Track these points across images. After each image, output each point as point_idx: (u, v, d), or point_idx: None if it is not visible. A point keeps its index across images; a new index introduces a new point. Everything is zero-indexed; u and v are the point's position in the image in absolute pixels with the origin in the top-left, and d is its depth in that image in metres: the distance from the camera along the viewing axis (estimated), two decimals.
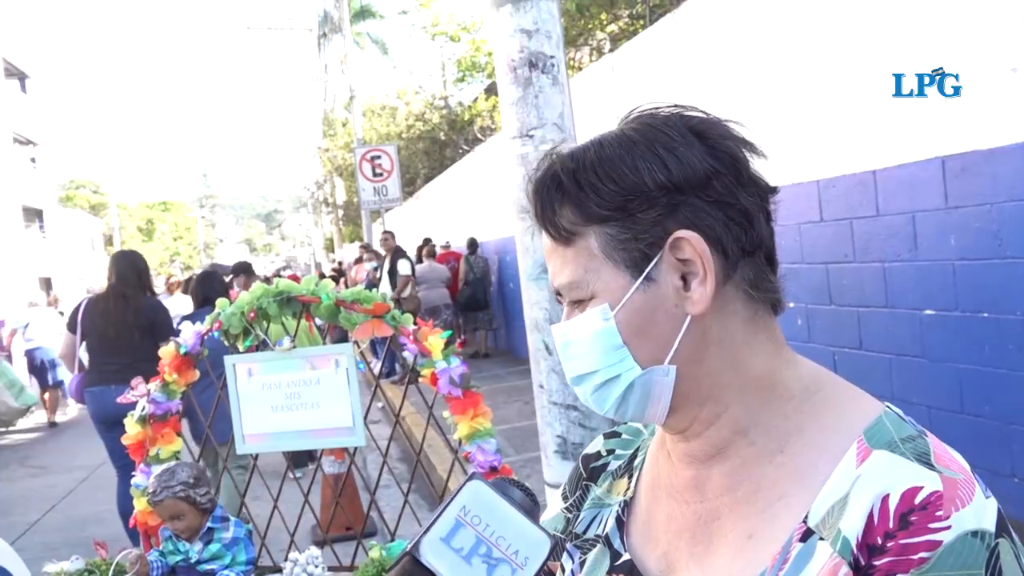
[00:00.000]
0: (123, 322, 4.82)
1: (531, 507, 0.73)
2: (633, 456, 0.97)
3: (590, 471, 1.00)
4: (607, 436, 1.02)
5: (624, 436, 1.00)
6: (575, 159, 0.81)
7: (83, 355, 5.25)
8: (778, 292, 0.82)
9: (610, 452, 1.00)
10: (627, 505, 0.91)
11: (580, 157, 0.81)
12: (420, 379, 2.99)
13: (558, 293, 0.84)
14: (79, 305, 5.15)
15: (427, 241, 12.59)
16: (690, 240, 0.76)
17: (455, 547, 0.68)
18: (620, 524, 0.90)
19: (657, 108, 0.83)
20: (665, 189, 0.77)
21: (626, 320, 0.78)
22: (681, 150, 0.78)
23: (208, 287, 5.44)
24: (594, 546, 0.91)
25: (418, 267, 11.23)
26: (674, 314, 0.78)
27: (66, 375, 11.55)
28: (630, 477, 0.94)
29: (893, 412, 0.77)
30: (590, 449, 1.03)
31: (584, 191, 0.78)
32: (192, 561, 2.85)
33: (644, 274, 0.77)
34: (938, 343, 4.08)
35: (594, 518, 0.94)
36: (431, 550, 0.67)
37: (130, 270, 5.01)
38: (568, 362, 0.84)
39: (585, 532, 0.94)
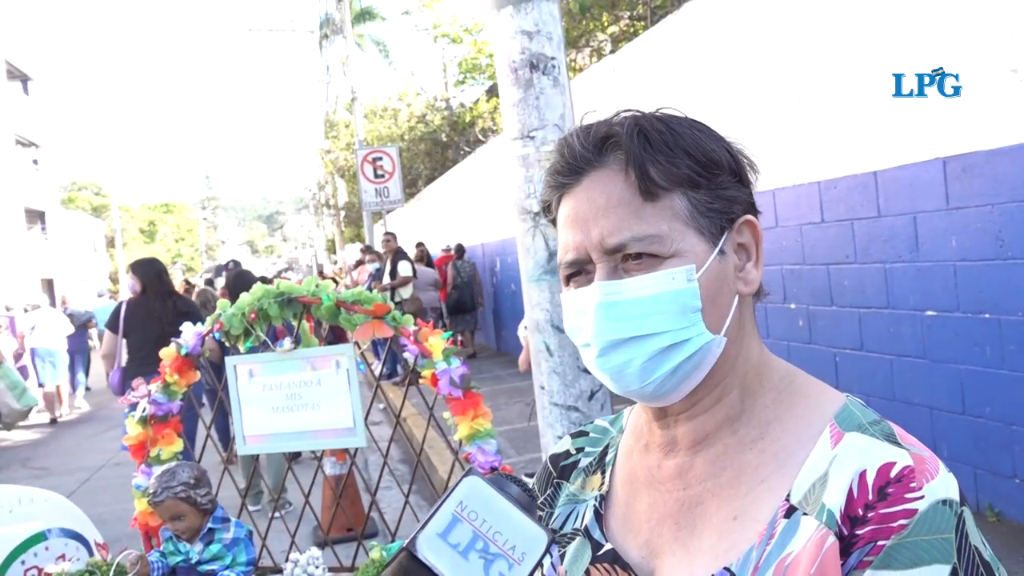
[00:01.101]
0: (169, 319, 5.34)
1: (528, 503, 0.72)
2: (604, 453, 0.98)
3: (560, 469, 1.01)
4: (574, 436, 1.04)
5: (592, 435, 1.03)
6: (662, 121, 0.83)
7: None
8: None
9: (579, 450, 1.01)
10: (603, 499, 0.93)
11: (666, 121, 0.83)
12: (421, 380, 2.99)
13: (613, 251, 0.80)
14: (119, 306, 5.77)
15: (419, 245, 12.69)
16: (754, 225, 0.85)
17: (452, 543, 0.67)
18: (598, 516, 0.92)
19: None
20: (734, 175, 0.84)
21: (705, 285, 0.80)
22: (734, 148, 0.85)
23: (242, 286, 5.73)
24: (572, 539, 0.93)
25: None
26: (731, 289, 0.83)
27: (62, 377, 11.98)
28: (603, 472, 0.96)
29: (856, 400, 0.83)
30: (558, 448, 1.04)
31: (675, 153, 0.80)
32: (193, 562, 2.85)
33: (719, 246, 0.82)
34: (939, 344, 4.08)
35: (570, 513, 0.96)
36: (428, 546, 0.66)
37: (163, 274, 5.77)
38: (617, 323, 0.79)
39: (562, 527, 0.96)
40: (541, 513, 0.99)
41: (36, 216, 29.79)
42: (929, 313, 4.12)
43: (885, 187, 4.29)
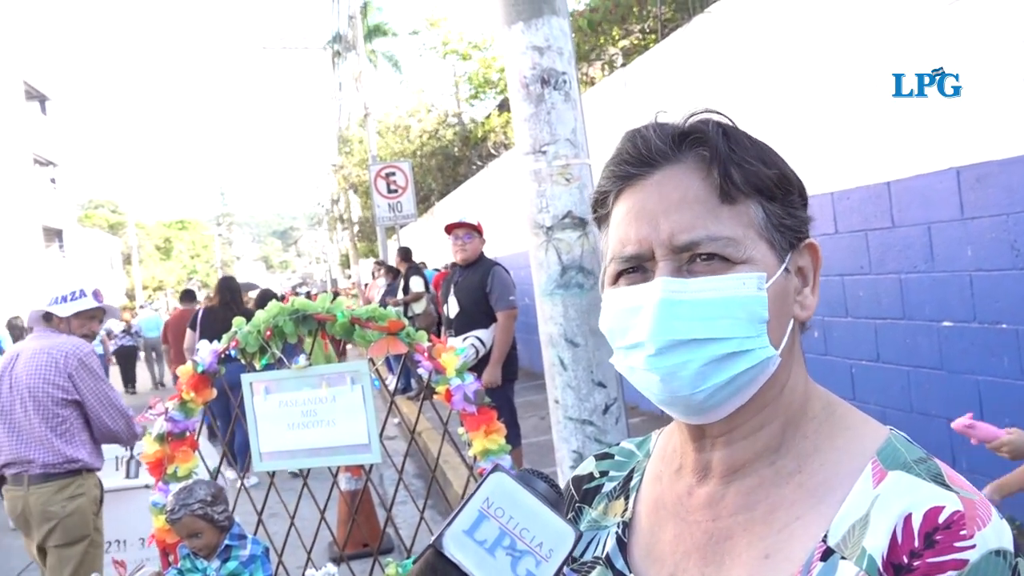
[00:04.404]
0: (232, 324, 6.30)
1: (555, 499, 0.72)
2: (628, 477, 0.93)
3: (583, 493, 0.96)
4: (599, 457, 0.99)
5: (617, 457, 0.98)
6: (739, 131, 0.80)
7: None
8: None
9: (603, 474, 0.96)
10: (626, 526, 0.88)
11: (741, 131, 0.81)
12: (435, 396, 3.00)
13: (682, 248, 0.75)
14: (197, 312, 7.62)
15: (421, 263, 12.78)
16: (816, 250, 0.82)
17: (478, 539, 0.67)
18: (621, 545, 0.87)
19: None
20: (801, 196, 0.82)
21: (772, 298, 0.76)
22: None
23: (267, 304, 6.24)
24: (593, 568, 0.88)
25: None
26: (789, 310, 0.80)
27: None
28: (626, 498, 0.91)
29: (900, 434, 0.78)
30: (581, 471, 0.99)
31: (753, 163, 0.78)
32: None
33: (785, 263, 0.78)
34: (956, 355, 4.05)
35: (591, 540, 0.91)
36: (454, 543, 0.66)
37: (235, 291, 7.42)
38: (679, 322, 0.74)
39: (583, 555, 0.90)
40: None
41: (54, 234, 30.12)
42: (945, 324, 4.09)
43: (899, 197, 4.27)
